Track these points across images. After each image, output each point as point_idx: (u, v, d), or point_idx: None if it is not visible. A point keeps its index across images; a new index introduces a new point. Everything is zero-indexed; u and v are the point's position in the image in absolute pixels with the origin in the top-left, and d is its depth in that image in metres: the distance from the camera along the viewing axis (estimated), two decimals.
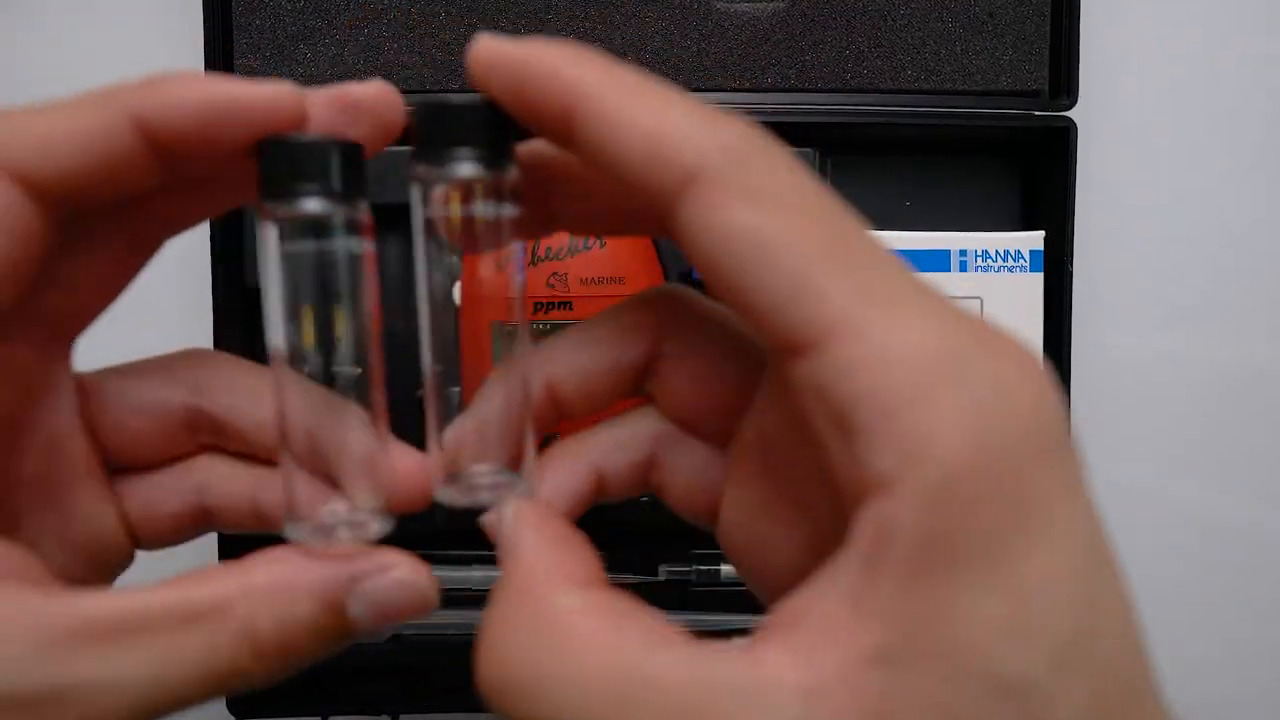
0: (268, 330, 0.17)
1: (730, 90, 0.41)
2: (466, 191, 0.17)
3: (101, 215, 0.18)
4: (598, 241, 0.38)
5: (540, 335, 0.38)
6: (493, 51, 0.16)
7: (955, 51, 0.41)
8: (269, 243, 0.17)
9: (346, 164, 0.17)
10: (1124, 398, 0.44)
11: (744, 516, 0.19)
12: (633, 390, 0.20)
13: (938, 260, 0.38)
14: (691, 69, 0.41)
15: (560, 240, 0.37)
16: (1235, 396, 0.44)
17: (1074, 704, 0.13)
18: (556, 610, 0.15)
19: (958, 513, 0.13)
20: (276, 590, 0.16)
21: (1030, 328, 0.39)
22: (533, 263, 0.37)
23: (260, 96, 0.17)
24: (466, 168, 0.17)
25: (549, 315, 0.38)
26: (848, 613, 0.14)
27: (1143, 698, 0.14)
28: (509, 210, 0.17)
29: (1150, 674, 0.14)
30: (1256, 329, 0.44)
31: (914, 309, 0.14)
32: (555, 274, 0.38)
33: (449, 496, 0.18)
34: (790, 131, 0.40)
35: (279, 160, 0.17)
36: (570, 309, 0.37)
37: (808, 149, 0.40)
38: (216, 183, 0.19)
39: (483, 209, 0.17)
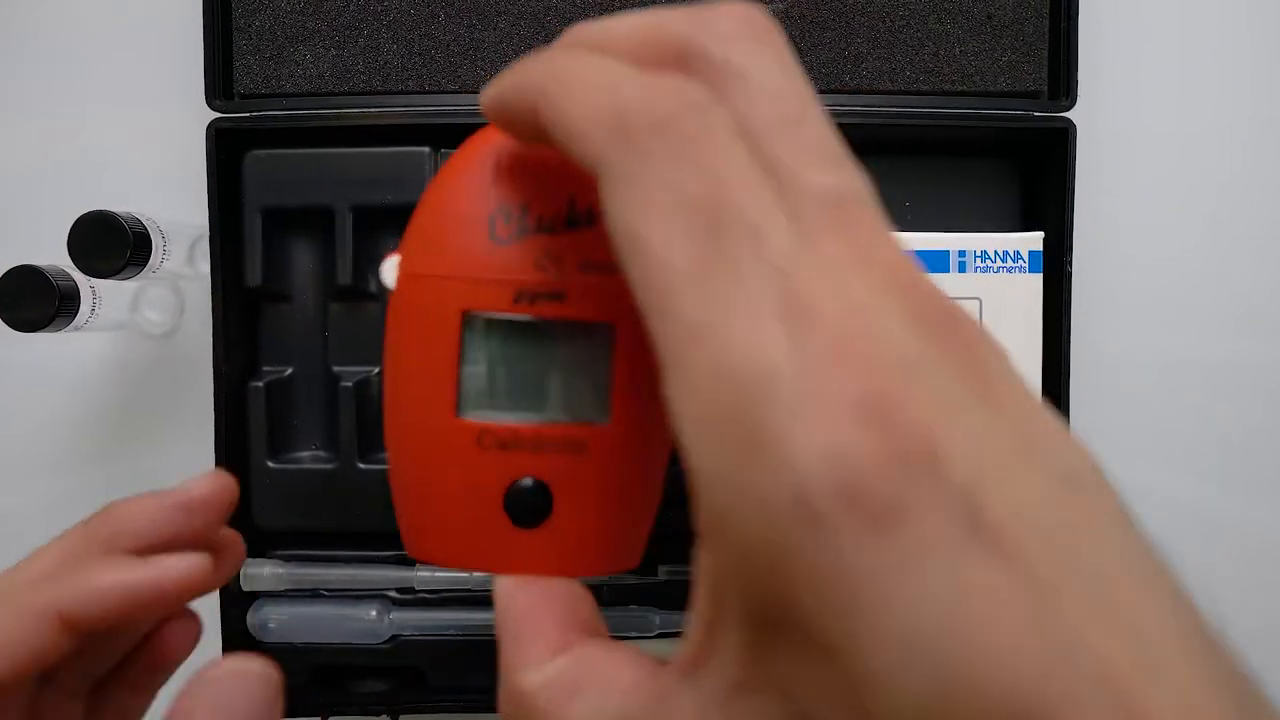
0: None
1: None
2: None
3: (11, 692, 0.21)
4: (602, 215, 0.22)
5: (526, 333, 0.24)
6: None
7: (954, 52, 0.41)
8: None
9: None
10: (1123, 398, 0.44)
11: None
12: None
13: (937, 260, 0.38)
14: None
15: (554, 206, 0.23)
16: (1235, 396, 0.44)
17: None
18: (521, 693, 0.18)
19: None
20: None
21: (1030, 328, 0.39)
22: (519, 234, 0.23)
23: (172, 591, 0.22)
24: None
25: (535, 308, 0.23)
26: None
27: None
28: None
29: None
30: (1256, 328, 0.44)
31: None
32: (546, 252, 0.23)
33: None
34: None
35: None
36: (563, 300, 0.23)
37: None
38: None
39: None
